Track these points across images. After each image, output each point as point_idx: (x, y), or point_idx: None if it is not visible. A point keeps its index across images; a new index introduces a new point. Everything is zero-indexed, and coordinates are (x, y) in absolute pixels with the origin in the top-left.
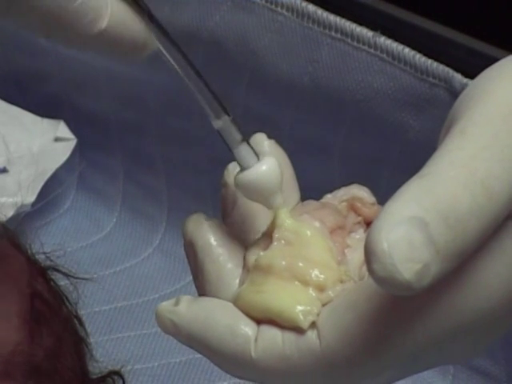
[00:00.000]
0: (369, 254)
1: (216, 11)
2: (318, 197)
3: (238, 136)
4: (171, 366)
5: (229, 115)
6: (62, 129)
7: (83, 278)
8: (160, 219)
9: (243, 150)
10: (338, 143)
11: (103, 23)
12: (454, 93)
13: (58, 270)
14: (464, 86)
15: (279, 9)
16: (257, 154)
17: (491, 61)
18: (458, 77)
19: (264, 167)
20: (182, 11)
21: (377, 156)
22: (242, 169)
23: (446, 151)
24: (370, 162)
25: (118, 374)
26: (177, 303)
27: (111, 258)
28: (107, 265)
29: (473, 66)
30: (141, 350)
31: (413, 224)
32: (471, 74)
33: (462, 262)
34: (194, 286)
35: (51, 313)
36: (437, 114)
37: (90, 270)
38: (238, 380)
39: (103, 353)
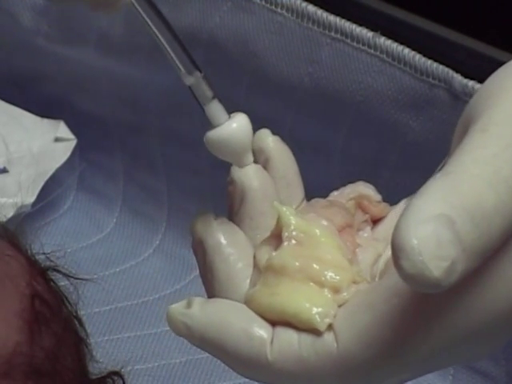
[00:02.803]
0: (397, 251)
1: (216, 12)
2: (317, 197)
3: (209, 93)
4: (171, 366)
5: (200, 71)
6: (62, 129)
7: (83, 279)
8: (160, 220)
9: (214, 107)
10: (338, 144)
11: None
12: (454, 93)
13: (57, 271)
14: (464, 87)
15: (279, 9)
16: (227, 113)
17: (491, 62)
18: (457, 77)
19: (234, 124)
20: (181, 12)
21: (376, 156)
22: (213, 126)
23: (469, 150)
24: (370, 163)
25: (117, 374)
26: (189, 305)
27: (111, 258)
28: (107, 265)
29: (473, 67)
30: (141, 350)
31: (441, 221)
32: (471, 75)
33: (484, 260)
34: (194, 286)
35: (51, 313)
36: (436, 114)
37: (90, 270)
38: (238, 381)
39: (103, 353)
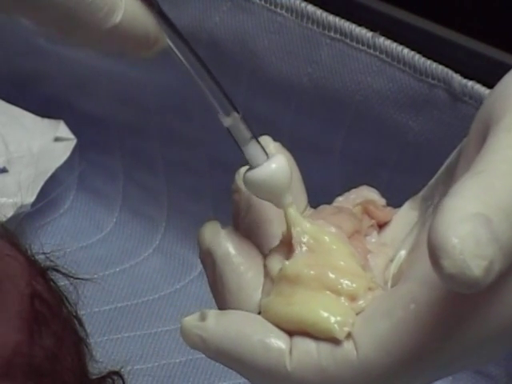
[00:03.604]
0: (436, 250)
1: (215, 12)
2: (317, 197)
3: (247, 134)
4: (171, 366)
5: (238, 112)
6: (62, 129)
7: (83, 279)
8: (160, 220)
9: (252, 148)
10: (338, 144)
11: (117, 17)
12: (453, 94)
13: (57, 271)
14: (463, 87)
15: (278, 9)
16: (266, 152)
17: (490, 62)
18: (457, 78)
19: (274, 165)
20: (181, 12)
21: (376, 156)
22: (252, 167)
23: (497, 149)
24: (370, 163)
25: (117, 374)
26: (203, 318)
27: (111, 258)
28: (107, 265)
29: (472, 67)
30: (140, 350)
31: (478, 220)
32: (471, 75)
33: None
34: (193, 287)
35: (51, 313)
36: (436, 114)
37: (90, 270)
38: (238, 381)
39: (103, 353)
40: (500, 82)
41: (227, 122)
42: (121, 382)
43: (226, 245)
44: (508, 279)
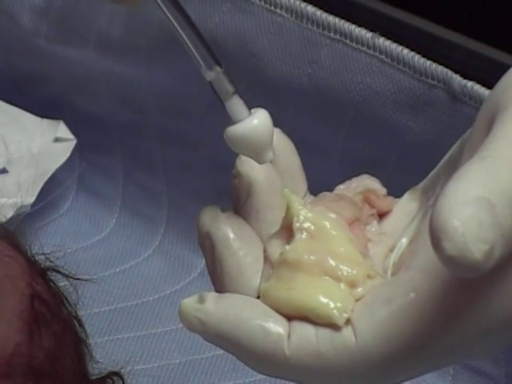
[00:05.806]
0: (438, 232)
1: (215, 12)
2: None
3: (229, 88)
4: (171, 367)
5: (221, 66)
6: (62, 129)
7: (83, 279)
8: (160, 220)
9: (235, 103)
10: (337, 144)
11: None
12: (453, 94)
13: (57, 271)
14: (463, 88)
15: (278, 10)
16: (248, 108)
17: (490, 62)
18: (456, 78)
19: (256, 121)
20: None
21: (376, 157)
22: (234, 122)
23: (503, 136)
24: (369, 163)
25: (117, 374)
26: (202, 300)
27: (111, 258)
28: (107, 266)
29: (472, 68)
30: (140, 350)
31: (481, 205)
32: (470, 76)
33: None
34: (193, 287)
35: (51, 314)
36: (435, 115)
37: (90, 270)
38: (238, 381)
39: (103, 354)
40: (507, 73)
41: (210, 76)
42: (121, 382)
43: (226, 229)
44: (509, 271)
